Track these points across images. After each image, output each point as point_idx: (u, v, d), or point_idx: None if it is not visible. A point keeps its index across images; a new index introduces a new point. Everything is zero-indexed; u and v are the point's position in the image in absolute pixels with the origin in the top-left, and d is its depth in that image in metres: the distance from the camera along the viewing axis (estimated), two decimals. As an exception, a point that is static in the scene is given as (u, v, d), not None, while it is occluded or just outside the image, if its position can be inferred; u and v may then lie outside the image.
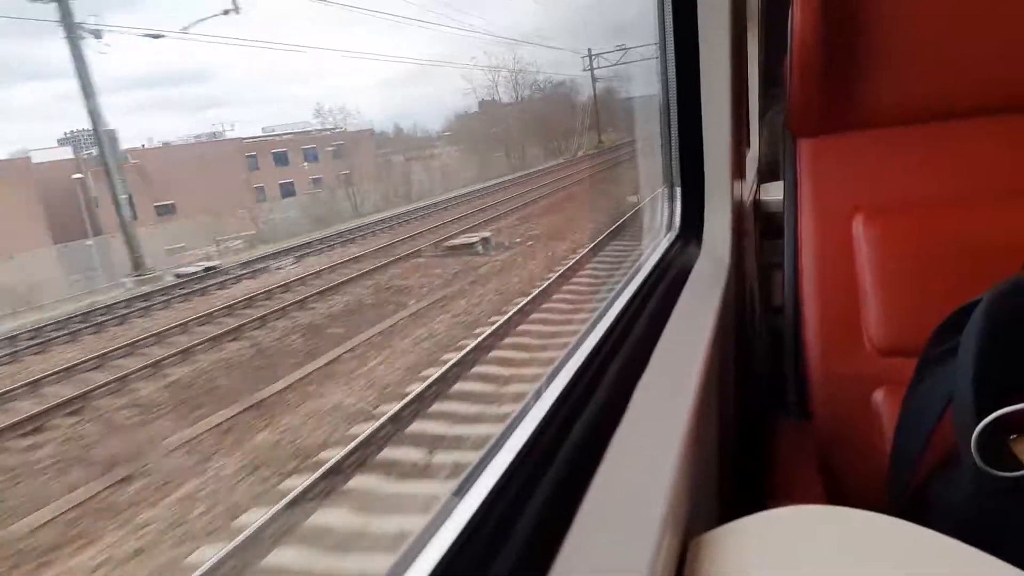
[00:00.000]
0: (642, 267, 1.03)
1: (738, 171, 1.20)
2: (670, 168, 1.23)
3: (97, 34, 9.83)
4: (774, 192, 1.43)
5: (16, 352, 6.31)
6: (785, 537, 0.47)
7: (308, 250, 10.49)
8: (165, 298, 8.16)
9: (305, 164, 15.30)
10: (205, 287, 8.65)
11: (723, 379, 0.96)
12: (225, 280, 8.98)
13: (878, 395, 1.02)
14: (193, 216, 11.02)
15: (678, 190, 1.20)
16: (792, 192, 1.18)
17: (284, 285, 8.04)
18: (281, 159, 15.18)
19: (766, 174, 1.71)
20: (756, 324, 1.46)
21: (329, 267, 8.94)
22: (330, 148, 15.85)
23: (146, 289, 8.76)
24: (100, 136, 10.00)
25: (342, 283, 7.96)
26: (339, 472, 3.17)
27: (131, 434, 4.35)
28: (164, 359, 5.60)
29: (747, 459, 1.11)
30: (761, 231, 1.49)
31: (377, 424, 3.62)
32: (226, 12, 10.92)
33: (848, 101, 1.11)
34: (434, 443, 3.50)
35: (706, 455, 0.77)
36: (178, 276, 9.37)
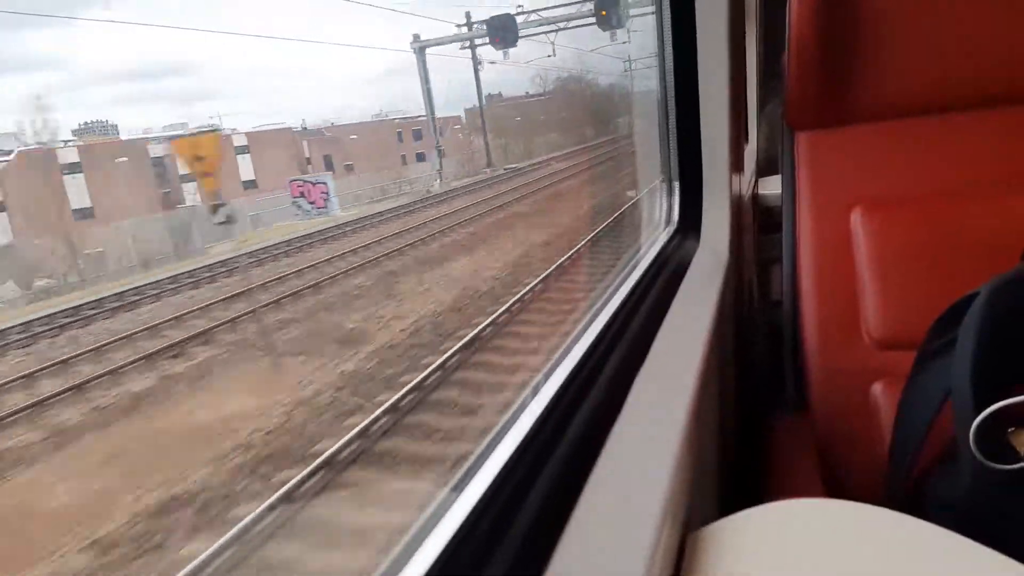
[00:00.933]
0: (640, 261, 1.03)
1: (736, 165, 1.20)
2: (668, 162, 1.22)
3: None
4: (773, 186, 1.42)
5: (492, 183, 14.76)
6: (783, 531, 0.47)
7: (540, 164, 17.59)
8: (520, 171, 16.37)
9: (441, 138, 20.88)
10: (532, 168, 16.69)
11: (721, 373, 0.96)
12: (538, 166, 16.60)
13: (876, 388, 1.01)
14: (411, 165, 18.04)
15: (676, 184, 1.20)
16: (790, 186, 1.18)
17: (573, 165, 15.24)
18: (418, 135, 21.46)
19: (765, 168, 1.71)
20: (755, 318, 1.46)
21: (574, 164, 15.77)
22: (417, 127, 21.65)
23: (501, 172, 16.79)
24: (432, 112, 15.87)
25: (601, 162, 14.61)
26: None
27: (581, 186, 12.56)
28: (562, 179, 13.39)
29: (745, 453, 1.11)
30: (760, 225, 1.48)
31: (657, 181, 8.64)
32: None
33: (846, 95, 1.10)
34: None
35: (704, 449, 0.77)
36: (506, 169, 16.78)
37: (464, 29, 14.39)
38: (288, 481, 3.32)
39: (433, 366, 4.47)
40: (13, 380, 4.96)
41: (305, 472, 3.38)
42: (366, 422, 3.82)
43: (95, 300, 7.17)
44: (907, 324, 0.95)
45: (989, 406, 0.57)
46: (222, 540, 2.92)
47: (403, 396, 4.10)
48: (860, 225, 1.08)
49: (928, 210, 1.05)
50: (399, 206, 13.34)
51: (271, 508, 3.15)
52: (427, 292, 6.89)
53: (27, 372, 5.10)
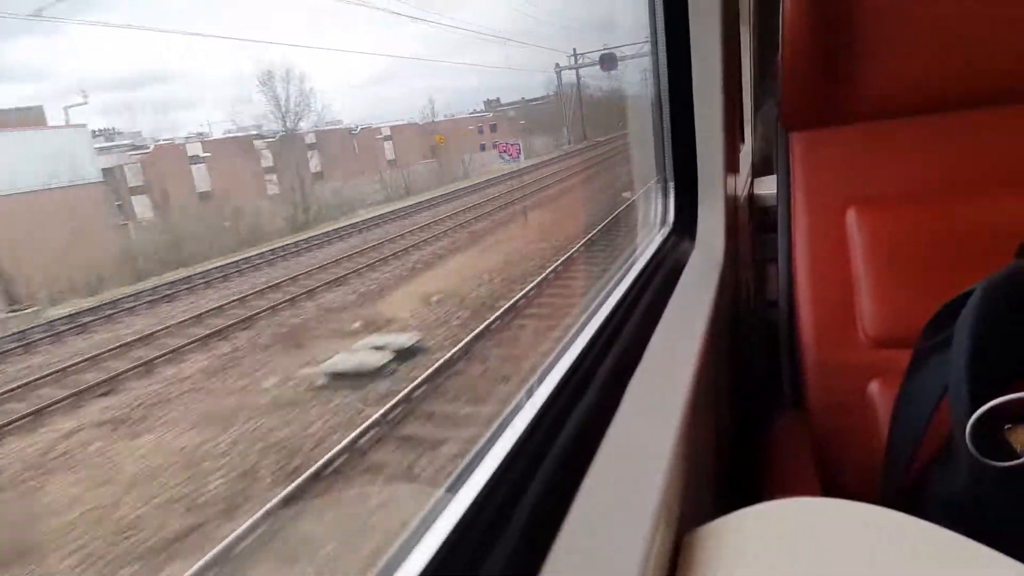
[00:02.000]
0: (636, 262, 1.03)
1: (732, 165, 1.20)
2: (663, 163, 1.22)
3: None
4: (768, 186, 1.43)
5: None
6: (779, 530, 0.46)
7: (609, 139, 20.48)
8: (601, 143, 19.58)
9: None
10: (607, 141, 19.56)
11: (717, 373, 0.96)
12: (612, 140, 18.95)
13: (873, 386, 1.02)
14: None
15: (671, 185, 1.20)
16: (785, 186, 1.18)
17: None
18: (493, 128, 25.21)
19: (760, 168, 1.71)
20: (751, 318, 1.46)
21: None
22: (493, 123, 25.32)
23: (593, 143, 20.50)
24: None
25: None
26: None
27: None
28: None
29: (742, 452, 1.11)
30: (756, 225, 1.48)
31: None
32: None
33: (840, 95, 1.10)
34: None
35: (701, 449, 0.77)
36: (595, 141, 20.51)
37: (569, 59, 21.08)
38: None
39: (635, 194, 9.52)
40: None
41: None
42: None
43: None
44: (903, 322, 0.95)
45: (985, 403, 0.57)
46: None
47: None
48: (855, 224, 1.08)
49: (923, 209, 1.05)
50: (554, 156, 19.72)
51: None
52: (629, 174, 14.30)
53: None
